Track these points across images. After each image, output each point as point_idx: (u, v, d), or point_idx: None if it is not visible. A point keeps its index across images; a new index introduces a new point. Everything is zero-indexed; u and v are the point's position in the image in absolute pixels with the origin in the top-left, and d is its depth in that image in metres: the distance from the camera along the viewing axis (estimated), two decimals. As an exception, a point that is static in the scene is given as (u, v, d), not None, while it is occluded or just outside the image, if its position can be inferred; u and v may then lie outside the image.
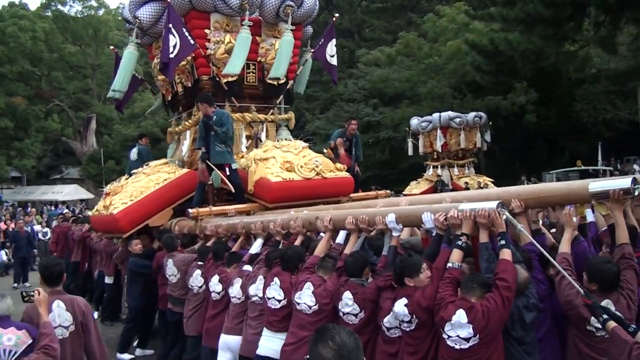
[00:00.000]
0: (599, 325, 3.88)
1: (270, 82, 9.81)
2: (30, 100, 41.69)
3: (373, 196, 9.68)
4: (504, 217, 4.07)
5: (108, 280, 10.77)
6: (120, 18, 45.79)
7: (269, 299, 5.30)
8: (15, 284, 15.87)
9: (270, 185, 8.31)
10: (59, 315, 4.77)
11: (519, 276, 3.91)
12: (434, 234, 4.57)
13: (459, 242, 4.12)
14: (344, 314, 4.70)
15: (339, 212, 5.78)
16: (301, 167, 8.67)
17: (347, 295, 4.66)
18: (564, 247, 4.34)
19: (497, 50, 21.45)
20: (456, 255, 4.09)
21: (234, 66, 9.04)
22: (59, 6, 46.03)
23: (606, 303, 3.85)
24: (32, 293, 4.51)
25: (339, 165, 9.23)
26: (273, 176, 8.37)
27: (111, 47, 13.11)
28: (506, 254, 3.94)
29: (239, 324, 5.88)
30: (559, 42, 20.30)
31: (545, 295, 4.47)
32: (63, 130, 45.78)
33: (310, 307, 4.84)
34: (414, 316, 4.09)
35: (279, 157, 8.75)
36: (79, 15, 46.17)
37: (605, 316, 3.51)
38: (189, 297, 7.00)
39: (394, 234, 4.86)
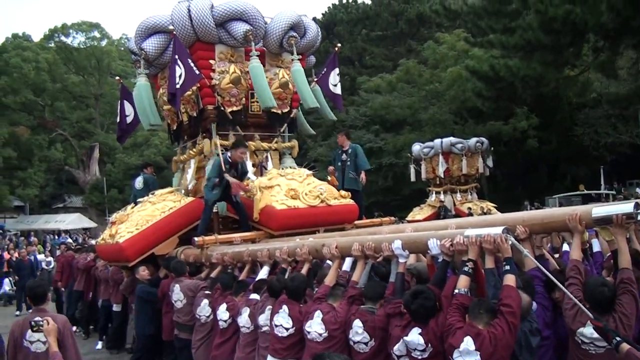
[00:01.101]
0: (585, 339, 3.93)
1: (311, 109, 9.98)
2: (33, 130, 41.96)
3: (378, 223, 9.70)
4: (510, 242, 4.10)
5: (116, 308, 10.59)
6: (122, 48, 46.39)
7: (276, 326, 5.29)
8: (18, 312, 15.87)
9: (275, 213, 8.35)
10: None
11: (522, 301, 3.93)
12: (440, 260, 4.59)
13: (465, 268, 4.15)
14: (354, 342, 4.67)
15: (345, 239, 5.81)
16: (306, 194, 8.71)
17: (357, 324, 4.65)
18: (575, 253, 4.35)
19: (498, 76, 21.63)
20: (463, 282, 4.10)
21: (264, 100, 9.17)
22: (62, 37, 46.42)
23: None
24: (41, 323, 4.56)
25: (343, 192, 9.28)
26: (278, 204, 8.41)
27: (117, 77, 13.27)
28: (510, 279, 3.95)
29: (251, 352, 5.87)
30: (558, 67, 20.45)
31: (550, 322, 4.50)
32: (66, 159, 45.91)
33: (320, 334, 4.82)
34: (429, 345, 4.06)
35: (284, 184, 8.81)
36: (82, 46, 46.44)
37: (617, 338, 3.52)
38: (196, 327, 6.97)
39: (401, 260, 4.85)
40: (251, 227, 8.71)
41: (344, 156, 10.45)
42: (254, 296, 6.05)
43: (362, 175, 10.36)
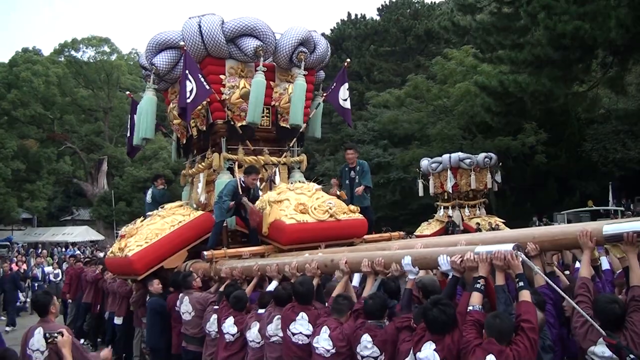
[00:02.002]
0: (596, 358, 3.89)
1: (293, 127, 9.94)
2: (42, 142, 42.25)
3: (387, 238, 9.67)
4: (520, 259, 4.08)
5: (117, 321, 10.55)
6: (132, 63, 46.65)
7: (294, 334, 5.24)
8: (8, 328, 15.46)
9: (284, 227, 8.35)
10: (37, 340, 5.01)
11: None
12: (450, 277, 4.58)
13: (477, 285, 4.12)
14: (363, 357, 4.64)
15: (354, 255, 5.80)
16: (315, 209, 8.70)
17: (366, 338, 4.62)
18: (584, 271, 4.33)
19: (507, 91, 21.58)
20: (476, 298, 4.07)
21: (252, 115, 9.22)
22: (72, 52, 46.71)
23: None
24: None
25: (352, 207, 9.27)
26: (287, 218, 8.42)
27: (127, 92, 13.36)
28: (525, 295, 3.94)
29: (260, 367, 5.84)
30: (567, 83, 20.40)
31: (556, 339, 4.47)
32: (74, 172, 46.21)
33: (328, 350, 4.81)
34: None
35: (293, 199, 8.82)
36: (92, 61, 46.77)
37: (631, 356, 3.51)
38: (207, 342, 6.91)
39: (410, 276, 4.85)
40: (260, 242, 8.72)
41: (352, 173, 10.41)
42: (262, 311, 6.02)
43: (360, 188, 9.92)
